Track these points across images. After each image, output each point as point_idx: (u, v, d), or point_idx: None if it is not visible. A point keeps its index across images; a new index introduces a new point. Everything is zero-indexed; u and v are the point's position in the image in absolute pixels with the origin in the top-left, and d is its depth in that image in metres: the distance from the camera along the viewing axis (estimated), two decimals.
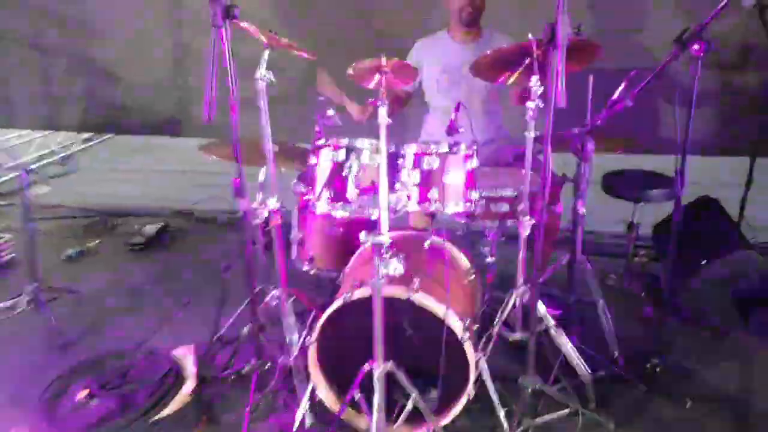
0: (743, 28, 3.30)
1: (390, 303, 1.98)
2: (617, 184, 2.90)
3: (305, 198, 2.49)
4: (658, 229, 3.21)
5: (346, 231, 2.76)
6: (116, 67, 4.47)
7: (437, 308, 2.03)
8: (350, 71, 2.00)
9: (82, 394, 2.36)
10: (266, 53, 2.17)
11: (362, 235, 1.88)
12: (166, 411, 2.33)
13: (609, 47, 2.10)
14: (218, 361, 2.65)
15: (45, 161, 5.73)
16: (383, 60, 1.93)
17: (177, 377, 2.47)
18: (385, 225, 1.90)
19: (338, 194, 2.27)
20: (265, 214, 2.45)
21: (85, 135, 6.31)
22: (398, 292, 2.03)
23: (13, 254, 3.77)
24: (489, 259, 2.68)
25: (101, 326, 3.03)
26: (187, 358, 2.59)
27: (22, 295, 3.03)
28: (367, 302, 1.96)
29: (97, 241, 3.95)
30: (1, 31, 4.56)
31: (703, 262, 2.71)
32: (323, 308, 2.55)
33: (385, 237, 1.87)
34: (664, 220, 3.14)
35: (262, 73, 2.16)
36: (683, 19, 3.39)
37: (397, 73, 2.03)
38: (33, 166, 5.44)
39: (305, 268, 2.85)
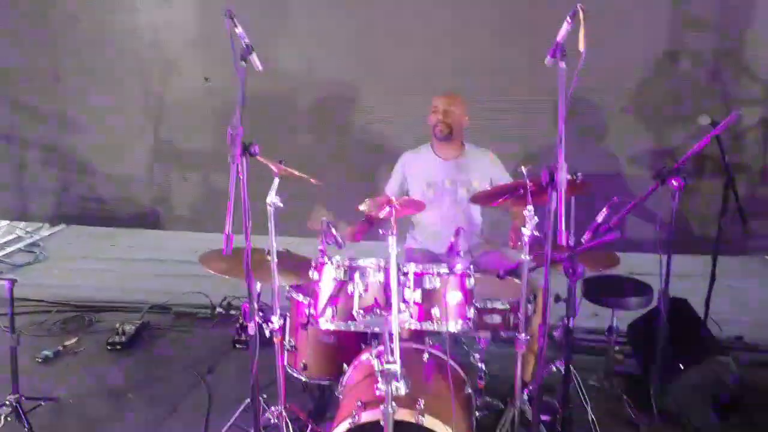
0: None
1: (396, 424, 2.03)
2: (595, 291, 3.05)
3: (306, 311, 2.55)
4: (634, 328, 3.37)
5: (339, 340, 2.81)
6: (92, 159, 4.51)
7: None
8: (363, 207, 2.13)
9: None
10: (276, 181, 2.27)
11: (376, 364, 1.95)
12: None
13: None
14: None
15: (12, 248, 5.59)
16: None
17: None
18: (396, 352, 1.97)
19: (342, 312, 2.36)
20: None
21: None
22: (406, 415, 2.08)
23: None
24: (480, 365, 2.79)
25: None
26: None
27: (2, 406, 2.93)
28: (366, 427, 2.02)
29: (74, 339, 3.85)
30: None
31: (682, 367, 2.86)
32: (316, 421, 2.59)
33: (397, 366, 1.93)
34: (639, 319, 3.31)
35: (272, 199, 2.27)
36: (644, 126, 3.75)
37: (404, 205, 2.17)
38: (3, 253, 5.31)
39: (297, 375, 2.88)
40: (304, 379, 2.89)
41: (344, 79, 3.99)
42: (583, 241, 2.39)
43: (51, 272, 5.12)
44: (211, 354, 3.71)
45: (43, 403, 3.11)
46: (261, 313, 2.52)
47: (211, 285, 4.42)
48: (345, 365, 2.68)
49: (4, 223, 5.60)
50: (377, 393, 2.00)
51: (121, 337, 3.78)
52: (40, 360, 3.61)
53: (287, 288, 2.87)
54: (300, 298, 2.77)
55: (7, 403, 2.92)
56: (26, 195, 4.79)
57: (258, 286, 2.74)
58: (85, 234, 5.77)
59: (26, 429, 2.85)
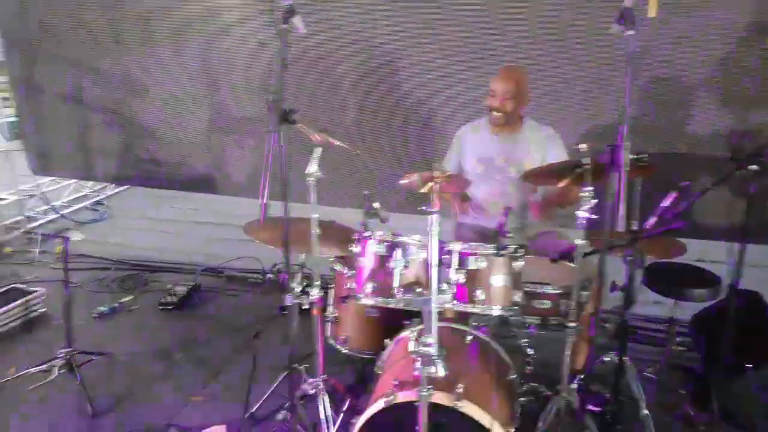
0: None
1: (432, 406, 1.96)
2: (657, 279, 2.85)
3: (347, 286, 2.49)
4: (698, 320, 3.14)
5: (382, 315, 2.75)
6: (153, 122, 4.57)
7: (483, 418, 1.99)
8: (404, 181, 2.03)
9: None
10: (318, 151, 2.20)
11: (412, 345, 1.87)
12: None
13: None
14: None
15: (79, 205, 5.82)
16: (437, 172, 1.94)
17: None
18: (434, 332, 1.87)
19: (383, 288, 2.28)
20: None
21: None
22: (442, 399, 1.99)
23: (44, 309, 3.81)
24: (528, 350, 2.68)
25: (132, 393, 3.02)
26: None
27: (56, 359, 3.05)
28: (402, 406, 1.96)
29: (130, 297, 3.97)
30: (48, 83, 4.71)
31: (749, 367, 2.64)
32: (355, 394, 2.55)
33: (434, 348, 1.85)
34: (704, 310, 3.08)
35: (313, 170, 2.20)
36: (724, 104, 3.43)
37: (449, 181, 2.05)
38: (65, 212, 5.53)
39: (338, 347, 2.84)
40: (344, 351, 2.85)
41: (400, 47, 3.84)
42: (647, 226, 2.21)
43: (113, 231, 5.29)
44: (258, 320, 3.73)
45: (95, 358, 3.22)
46: (303, 284, 2.49)
47: (266, 251, 4.45)
48: (387, 340, 2.62)
49: (72, 181, 5.81)
50: (415, 373, 1.93)
51: (173, 298, 3.87)
52: (95, 315, 3.74)
53: (331, 259, 2.82)
54: (343, 270, 2.71)
55: (61, 356, 3.04)
56: (92, 156, 4.93)
57: (303, 256, 2.71)
58: (146, 195, 5.92)
59: (78, 382, 2.94)
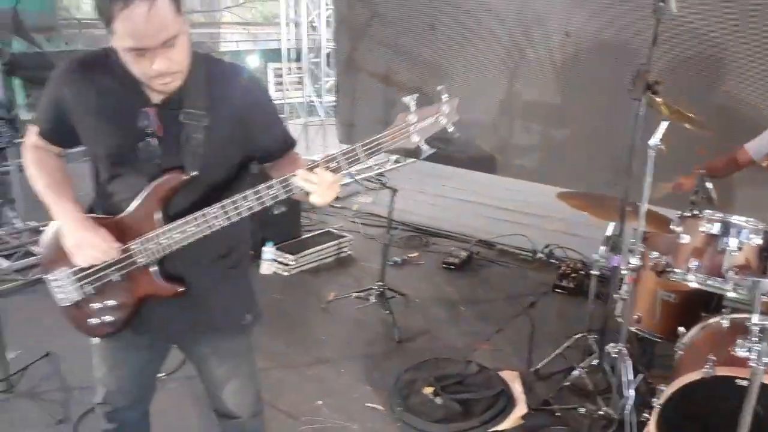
0: None
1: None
2: None
3: (661, 261, 2.59)
4: None
5: (681, 299, 2.78)
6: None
7: None
8: None
9: (428, 390, 2.75)
10: (664, 124, 2.33)
11: (755, 318, 1.92)
12: (500, 427, 2.61)
13: None
14: (536, 394, 2.87)
15: (363, 175, 6.66)
16: None
17: (509, 398, 2.73)
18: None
19: (708, 267, 2.34)
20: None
21: (395, 157, 7.17)
22: None
23: (350, 252, 4.52)
24: None
25: (428, 331, 3.49)
26: (514, 382, 2.85)
27: (372, 289, 3.64)
28: (718, 381, 2.01)
29: (416, 254, 4.52)
30: (365, 64, 5.46)
31: None
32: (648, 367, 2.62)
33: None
34: None
35: (656, 141, 2.33)
36: None
37: None
38: (358, 178, 6.38)
39: (630, 326, 2.94)
40: (633, 330, 2.94)
41: None
42: None
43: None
44: (531, 291, 3.98)
45: (396, 296, 3.76)
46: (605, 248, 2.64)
47: (530, 233, 4.73)
48: (680, 328, 2.65)
49: None
50: (739, 352, 1.98)
51: (455, 260, 4.30)
52: (391, 263, 4.31)
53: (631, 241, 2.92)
54: (651, 252, 2.79)
55: (375, 287, 3.62)
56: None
57: (610, 228, 2.87)
58: (420, 172, 6.55)
59: (387, 312, 3.49)
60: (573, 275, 3.97)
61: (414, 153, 1.49)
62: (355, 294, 3.74)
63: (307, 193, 1.45)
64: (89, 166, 1.64)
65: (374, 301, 3.65)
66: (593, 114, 4.09)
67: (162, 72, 1.40)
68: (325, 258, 4.37)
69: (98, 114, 1.52)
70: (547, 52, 4.37)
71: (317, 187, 1.43)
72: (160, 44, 1.35)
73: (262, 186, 1.48)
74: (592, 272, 3.01)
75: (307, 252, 4.25)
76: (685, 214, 2.50)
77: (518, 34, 4.50)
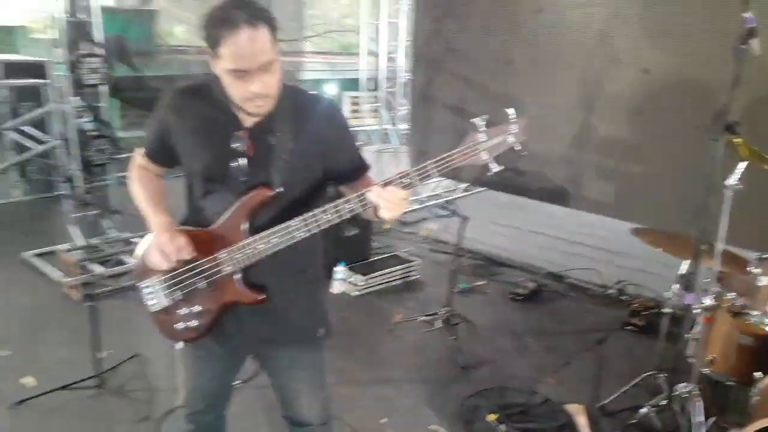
0: None
1: None
2: None
3: (735, 302, 2.53)
4: None
5: (758, 343, 2.69)
6: (523, 135, 5.08)
7: None
8: None
9: (492, 417, 2.78)
10: (742, 165, 2.31)
11: None
12: None
13: None
14: (602, 429, 2.84)
15: (432, 202, 6.76)
16: None
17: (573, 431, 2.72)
18: None
19: None
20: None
21: (465, 185, 7.24)
22: None
23: (418, 276, 4.60)
24: None
25: (492, 359, 3.50)
26: (579, 416, 2.83)
27: (438, 314, 3.71)
28: None
29: (483, 282, 4.55)
30: (439, 95, 5.59)
31: None
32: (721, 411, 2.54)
33: None
34: None
35: (734, 182, 2.31)
36: None
37: None
38: (426, 204, 6.49)
39: (702, 368, 2.86)
40: (706, 372, 2.86)
41: None
42: None
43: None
44: (600, 327, 3.92)
45: (462, 322, 3.80)
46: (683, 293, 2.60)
47: (602, 268, 4.67)
48: (757, 373, 2.56)
49: (436, 180, 6.76)
50: None
51: (523, 290, 4.30)
52: (458, 290, 4.36)
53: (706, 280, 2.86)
54: (727, 293, 2.73)
55: (441, 312, 3.68)
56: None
57: (684, 266, 2.82)
58: (492, 202, 6.58)
59: (452, 338, 3.54)
60: (644, 313, 3.89)
61: (483, 170, 1.55)
62: (421, 318, 3.82)
63: (376, 209, 1.55)
64: (184, 184, 1.81)
65: (440, 326, 3.71)
66: (670, 151, 4.05)
67: (257, 94, 1.56)
68: (393, 281, 4.47)
69: (197, 135, 1.70)
70: (624, 88, 4.36)
71: (388, 202, 1.53)
72: (258, 67, 1.52)
73: (340, 201, 1.59)
74: (664, 310, 2.96)
75: (376, 274, 4.37)
76: (764, 256, 2.44)
77: (594, 69, 4.52)
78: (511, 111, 1.51)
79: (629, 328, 3.88)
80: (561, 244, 5.53)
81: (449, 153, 1.50)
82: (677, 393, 2.59)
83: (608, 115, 4.56)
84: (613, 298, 4.36)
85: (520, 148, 1.53)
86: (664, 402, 2.81)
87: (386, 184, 1.53)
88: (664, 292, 2.96)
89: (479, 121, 1.51)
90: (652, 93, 4.17)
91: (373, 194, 1.53)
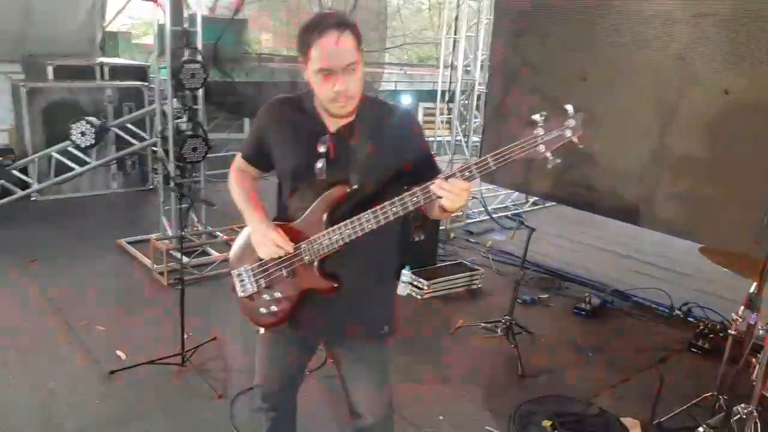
0: None
1: None
2: None
3: None
4: None
5: None
6: (597, 150, 5.08)
7: None
8: None
9: (547, 423, 2.86)
10: None
11: None
12: None
13: None
14: None
15: (501, 213, 6.83)
16: None
17: None
18: None
19: None
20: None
21: (534, 199, 7.26)
22: None
23: (481, 285, 4.70)
24: None
25: (552, 370, 3.57)
26: (634, 430, 2.87)
27: (500, 321, 3.81)
28: None
29: (547, 295, 4.60)
30: (512, 108, 5.67)
31: None
32: None
33: None
34: None
35: None
36: None
37: None
38: (496, 215, 6.57)
39: (765, 391, 2.83)
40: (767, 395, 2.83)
41: None
42: None
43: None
44: (663, 347, 3.91)
45: (523, 332, 3.88)
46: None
47: (669, 289, 4.62)
48: None
49: (504, 192, 6.84)
50: None
51: (587, 306, 4.32)
52: (520, 301, 4.41)
53: None
54: None
55: (503, 320, 3.78)
56: (532, 173, 5.70)
57: (752, 287, 2.81)
58: (560, 216, 6.59)
59: (513, 346, 3.64)
60: (711, 336, 3.83)
61: (541, 163, 1.60)
62: (483, 324, 3.92)
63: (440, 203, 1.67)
64: (276, 186, 2.03)
65: (501, 333, 3.81)
66: (745, 171, 3.99)
67: (341, 92, 1.75)
68: (457, 287, 4.59)
69: (289, 140, 1.93)
70: (701, 108, 4.32)
71: (450, 193, 1.65)
72: (343, 67, 1.72)
73: (406, 194, 1.74)
74: (729, 332, 2.95)
75: (440, 279, 4.51)
76: None
77: (673, 89, 4.49)
78: (569, 107, 1.58)
79: (694, 350, 3.84)
80: (630, 263, 5.50)
81: (507, 146, 1.59)
82: (735, 413, 2.58)
83: (684, 134, 4.52)
84: (679, 319, 4.32)
85: (577, 141, 1.60)
86: (721, 423, 2.80)
87: (448, 177, 1.66)
88: (731, 314, 2.94)
89: (538, 117, 1.60)
90: (731, 114, 4.12)
91: (436, 186, 1.66)
